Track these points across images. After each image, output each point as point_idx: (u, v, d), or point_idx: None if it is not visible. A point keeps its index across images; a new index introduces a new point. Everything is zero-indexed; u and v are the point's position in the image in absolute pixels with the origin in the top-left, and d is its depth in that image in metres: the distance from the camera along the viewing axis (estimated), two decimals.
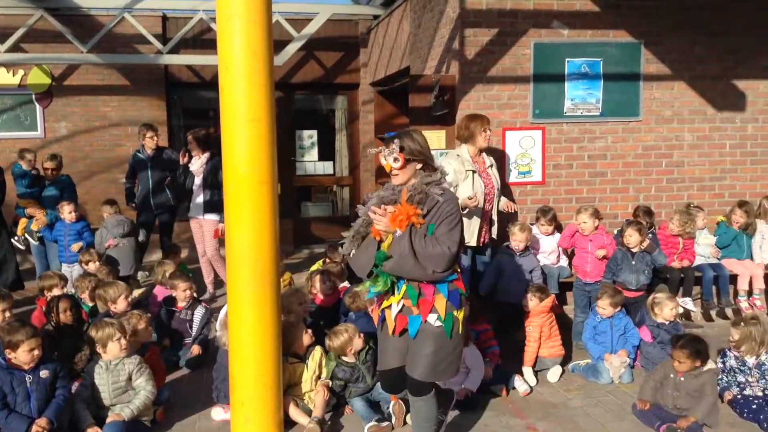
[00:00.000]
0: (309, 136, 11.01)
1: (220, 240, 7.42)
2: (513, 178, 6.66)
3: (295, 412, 4.48)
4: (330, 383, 4.67)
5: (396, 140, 3.60)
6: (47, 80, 9.71)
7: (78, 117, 9.91)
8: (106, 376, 4.40)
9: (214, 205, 7.27)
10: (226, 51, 4.02)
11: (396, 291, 3.63)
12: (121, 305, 5.31)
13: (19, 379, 4.05)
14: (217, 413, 4.63)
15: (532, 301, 5.44)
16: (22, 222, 7.66)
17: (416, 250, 3.45)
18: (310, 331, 4.87)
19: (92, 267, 6.50)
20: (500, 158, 6.47)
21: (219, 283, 7.65)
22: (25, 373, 4.07)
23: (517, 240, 5.90)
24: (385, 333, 3.73)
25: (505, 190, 6.49)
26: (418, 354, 3.62)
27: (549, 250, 6.42)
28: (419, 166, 3.62)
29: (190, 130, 7.88)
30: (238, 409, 4.25)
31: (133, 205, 8.10)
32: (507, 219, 6.23)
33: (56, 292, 5.57)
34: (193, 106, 10.87)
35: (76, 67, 9.76)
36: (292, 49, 9.08)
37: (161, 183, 7.88)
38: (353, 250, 3.69)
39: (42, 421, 3.97)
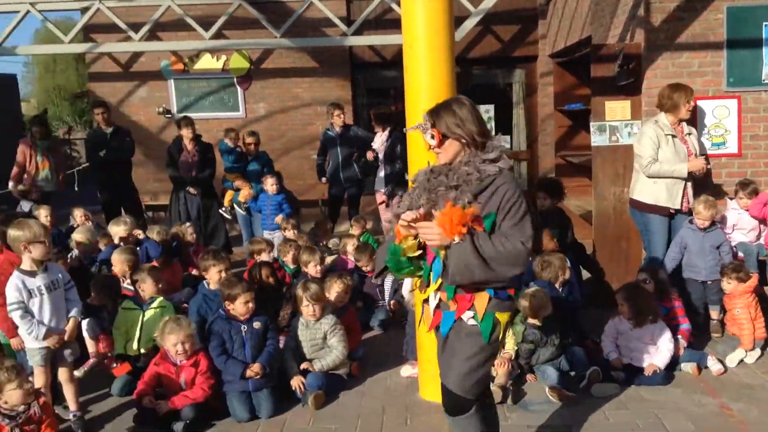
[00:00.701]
0: (486, 111, 11.08)
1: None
2: (706, 149, 6.34)
3: None
4: (512, 355, 4.80)
5: (426, 115, 3.07)
6: (246, 64, 10.61)
7: (274, 98, 10.75)
8: (305, 332, 4.87)
9: (391, 178, 7.68)
10: (410, 30, 4.27)
11: (432, 280, 3.06)
12: (311, 271, 5.82)
13: (236, 329, 4.61)
14: (406, 370, 4.94)
15: (730, 284, 5.21)
16: (229, 194, 8.50)
17: (484, 255, 2.82)
18: None
19: (289, 234, 7.11)
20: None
21: None
22: (241, 323, 4.62)
23: (701, 218, 5.61)
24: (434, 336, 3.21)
25: None
26: (449, 357, 3.09)
27: (749, 227, 6.02)
28: (464, 141, 2.99)
29: (372, 108, 8.32)
30: (426, 366, 4.54)
31: (324, 179, 8.68)
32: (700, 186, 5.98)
33: (264, 256, 6.19)
34: (375, 86, 11.34)
35: (271, 51, 10.56)
36: (469, 24, 9.17)
37: (349, 158, 8.37)
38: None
39: (256, 367, 4.49)
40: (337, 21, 9.70)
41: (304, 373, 4.69)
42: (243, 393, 4.42)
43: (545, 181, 6.92)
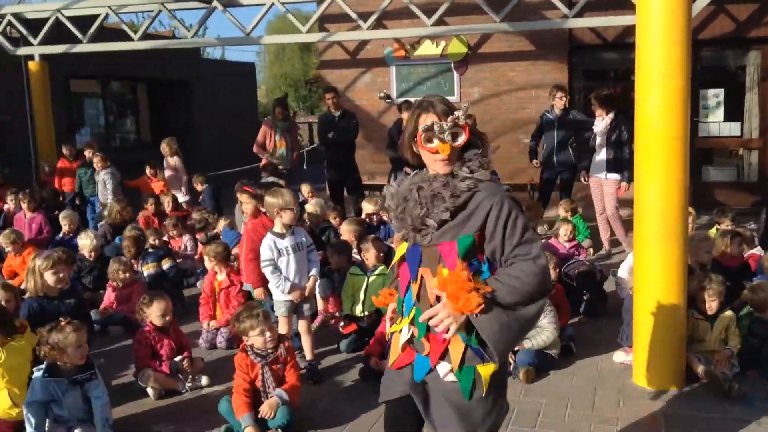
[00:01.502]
0: (714, 95, 10.39)
1: (618, 199, 7.63)
2: None
3: (697, 367, 4.53)
4: (734, 351, 4.58)
5: (465, 105, 2.50)
6: (464, 49, 10.88)
7: (488, 82, 10.91)
8: None
9: (617, 164, 7.50)
10: (644, 10, 4.23)
11: (404, 314, 2.62)
12: None
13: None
14: (619, 356, 4.91)
15: None
16: None
17: (511, 303, 2.36)
18: (715, 303, 4.65)
19: None
20: None
21: (614, 242, 7.88)
22: None
23: None
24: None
25: None
26: (440, 412, 2.55)
27: None
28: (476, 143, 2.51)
29: (589, 91, 8.18)
30: (641, 353, 4.50)
31: (536, 162, 8.71)
32: None
33: None
34: (594, 68, 11.03)
35: (489, 36, 10.71)
36: (701, 4, 8.64)
37: (565, 142, 8.31)
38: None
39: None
40: (558, 3, 9.59)
41: (514, 351, 4.83)
42: None
43: None
